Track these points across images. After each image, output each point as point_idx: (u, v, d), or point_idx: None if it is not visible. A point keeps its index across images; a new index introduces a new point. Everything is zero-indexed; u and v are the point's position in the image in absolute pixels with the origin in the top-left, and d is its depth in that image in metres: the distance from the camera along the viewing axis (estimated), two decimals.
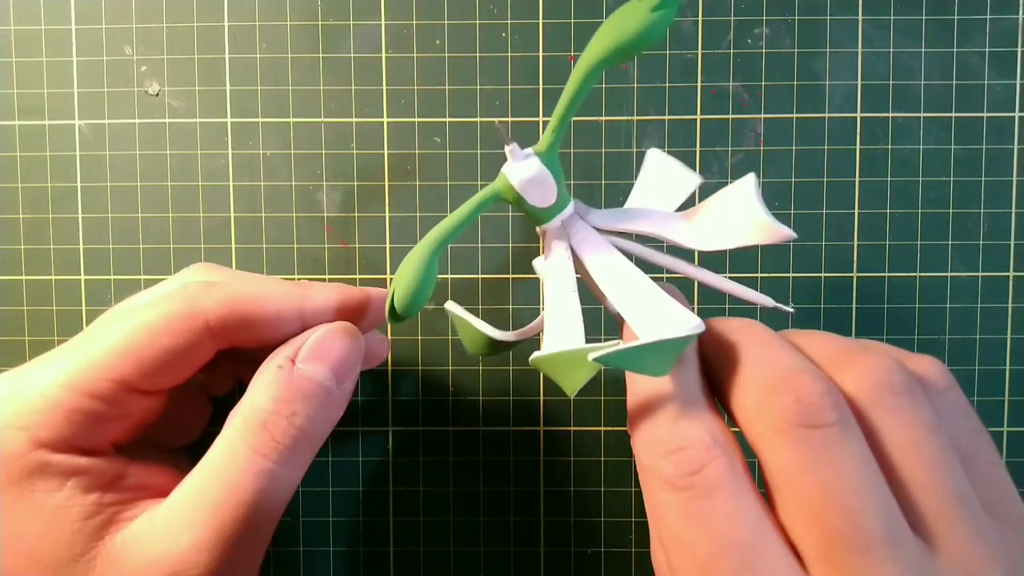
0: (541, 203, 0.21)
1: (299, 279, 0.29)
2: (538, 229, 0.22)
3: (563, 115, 0.20)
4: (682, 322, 0.18)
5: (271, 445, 0.20)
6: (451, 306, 0.26)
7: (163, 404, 0.22)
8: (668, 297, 0.19)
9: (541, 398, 0.29)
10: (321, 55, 0.29)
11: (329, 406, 0.21)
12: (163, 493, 0.21)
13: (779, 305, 0.22)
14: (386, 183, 0.29)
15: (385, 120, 0.29)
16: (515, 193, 0.20)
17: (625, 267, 0.20)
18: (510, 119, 0.29)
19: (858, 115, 0.29)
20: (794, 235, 0.19)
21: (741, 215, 0.20)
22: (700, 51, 0.28)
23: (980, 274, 0.29)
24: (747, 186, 0.20)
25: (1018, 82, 0.28)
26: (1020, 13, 0.28)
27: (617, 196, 0.29)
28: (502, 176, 0.20)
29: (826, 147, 0.29)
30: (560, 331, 0.20)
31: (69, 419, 0.20)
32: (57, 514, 0.19)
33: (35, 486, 0.19)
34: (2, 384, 0.21)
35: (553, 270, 0.21)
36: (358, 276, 0.29)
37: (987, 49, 0.28)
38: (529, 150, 0.20)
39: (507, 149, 0.20)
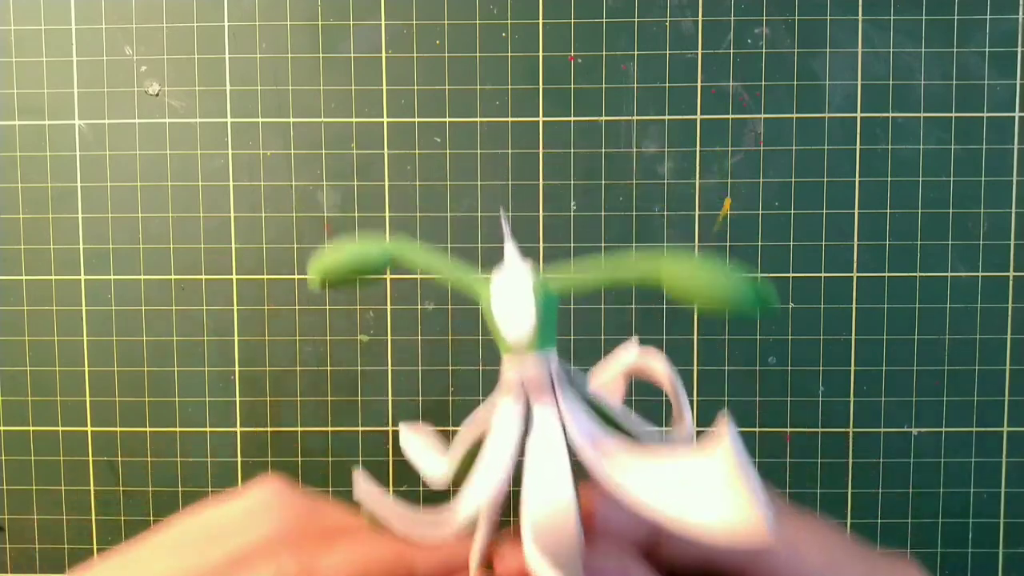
0: (509, 327, 0.16)
1: (298, 279, 0.29)
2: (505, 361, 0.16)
3: (592, 285, 0.16)
4: None
5: None
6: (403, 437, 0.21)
7: None
8: None
9: None
10: (321, 55, 0.29)
11: None
12: None
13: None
14: (386, 183, 0.29)
15: (385, 120, 0.29)
16: (487, 296, 0.16)
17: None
18: (510, 119, 0.29)
19: (858, 115, 0.29)
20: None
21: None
22: (700, 51, 0.28)
23: (980, 274, 0.29)
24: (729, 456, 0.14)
25: (1018, 82, 0.28)
26: (1020, 13, 0.28)
27: (617, 196, 0.29)
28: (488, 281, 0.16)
29: (826, 147, 0.29)
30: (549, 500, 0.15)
31: None
32: None
33: None
34: None
35: (506, 418, 0.16)
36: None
37: (987, 49, 0.28)
38: (528, 265, 0.16)
39: (507, 245, 0.17)
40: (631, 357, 0.20)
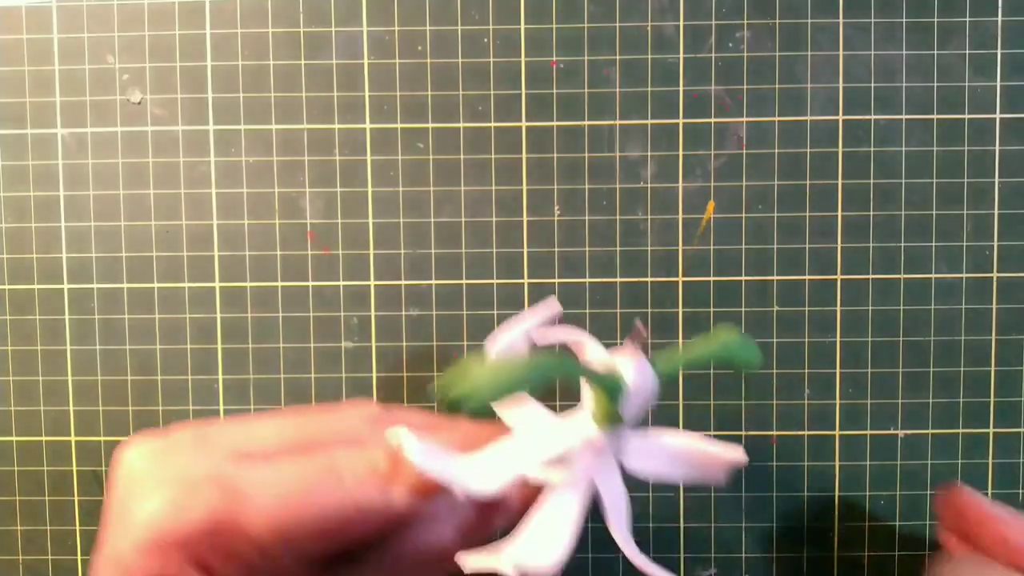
0: (630, 416, 0.20)
1: (282, 287, 0.29)
2: (595, 433, 0.21)
3: (687, 366, 0.21)
4: None
5: None
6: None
7: None
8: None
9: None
10: (303, 62, 0.29)
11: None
12: None
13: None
14: (369, 189, 0.29)
15: (368, 126, 0.29)
16: (618, 393, 0.20)
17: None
18: (492, 124, 0.29)
19: (840, 118, 0.29)
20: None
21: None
22: (682, 55, 0.29)
23: (964, 275, 0.29)
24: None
25: (999, 84, 0.28)
26: (999, 15, 0.28)
27: (600, 200, 0.29)
28: (612, 367, 0.20)
29: (808, 150, 0.29)
30: (549, 537, 0.20)
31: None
32: None
33: None
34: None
35: (583, 475, 0.21)
36: (341, 283, 0.29)
37: (967, 51, 0.28)
38: (648, 364, 0.20)
39: (636, 347, 0.20)
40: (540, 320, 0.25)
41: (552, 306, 0.25)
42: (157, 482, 0.20)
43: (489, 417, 0.17)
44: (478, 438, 0.21)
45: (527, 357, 0.19)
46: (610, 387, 0.20)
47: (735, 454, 0.23)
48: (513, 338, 0.24)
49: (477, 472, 0.20)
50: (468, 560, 0.19)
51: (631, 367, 0.20)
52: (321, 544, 0.20)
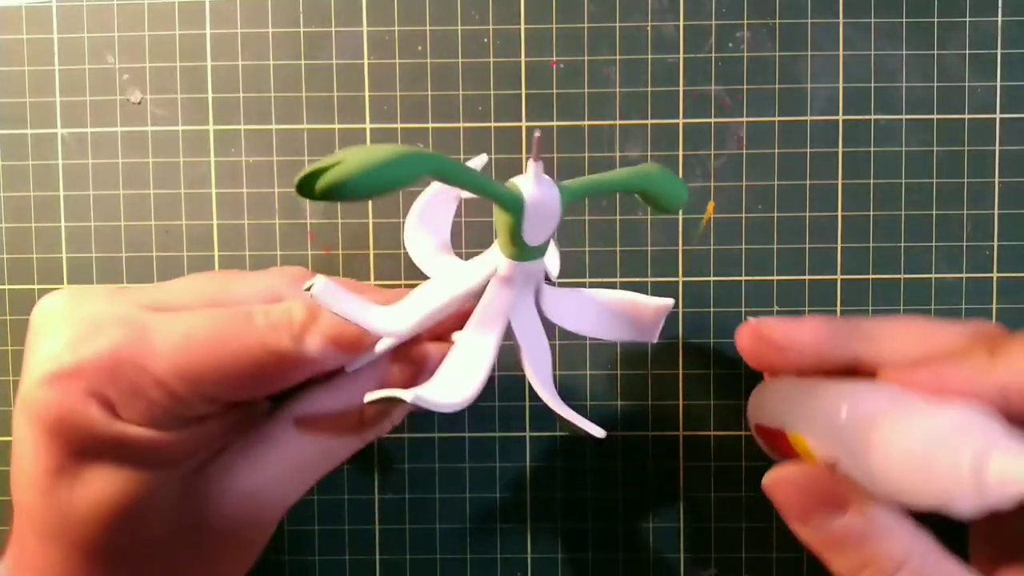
0: (533, 237, 0.19)
1: None
2: (502, 263, 0.20)
3: (596, 188, 0.20)
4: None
5: None
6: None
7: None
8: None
9: (527, 403, 0.29)
10: (303, 62, 0.29)
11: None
12: None
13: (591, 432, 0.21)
14: None
15: (368, 126, 0.29)
16: (519, 209, 0.18)
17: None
18: (492, 124, 0.29)
19: (840, 118, 0.29)
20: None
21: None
22: (682, 55, 0.29)
23: (964, 275, 0.29)
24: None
25: (999, 84, 0.28)
26: (999, 15, 0.28)
27: (600, 200, 0.29)
28: (513, 184, 0.18)
29: (808, 150, 0.29)
30: (459, 376, 0.20)
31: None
32: None
33: None
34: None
35: (493, 311, 0.20)
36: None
37: (967, 51, 0.28)
38: (550, 179, 0.19)
39: (531, 164, 0.18)
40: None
41: (480, 159, 0.26)
42: (64, 320, 0.20)
43: (360, 198, 0.16)
44: (400, 297, 0.22)
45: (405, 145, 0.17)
46: (507, 200, 0.18)
47: (663, 302, 0.24)
48: (436, 191, 0.25)
49: (389, 315, 0.20)
50: (370, 395, 0.18)
51: (530, 180, 0.18)
52: (231, 388, 0.20)
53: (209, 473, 0.21)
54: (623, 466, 0.29)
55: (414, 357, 0.23)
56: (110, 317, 0.20)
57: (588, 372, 0.29)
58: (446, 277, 0.21)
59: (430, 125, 0.29)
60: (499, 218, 0.19)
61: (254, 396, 0.21)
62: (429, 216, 0.25)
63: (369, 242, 0.29)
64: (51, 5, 0.29)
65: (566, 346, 0.29)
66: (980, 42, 0.28)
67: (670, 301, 0.24)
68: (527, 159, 0.19)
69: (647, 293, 0.28)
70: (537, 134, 0.18)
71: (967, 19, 0.28)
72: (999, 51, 0.28)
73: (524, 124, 0.29)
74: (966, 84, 0.28)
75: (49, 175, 0.29)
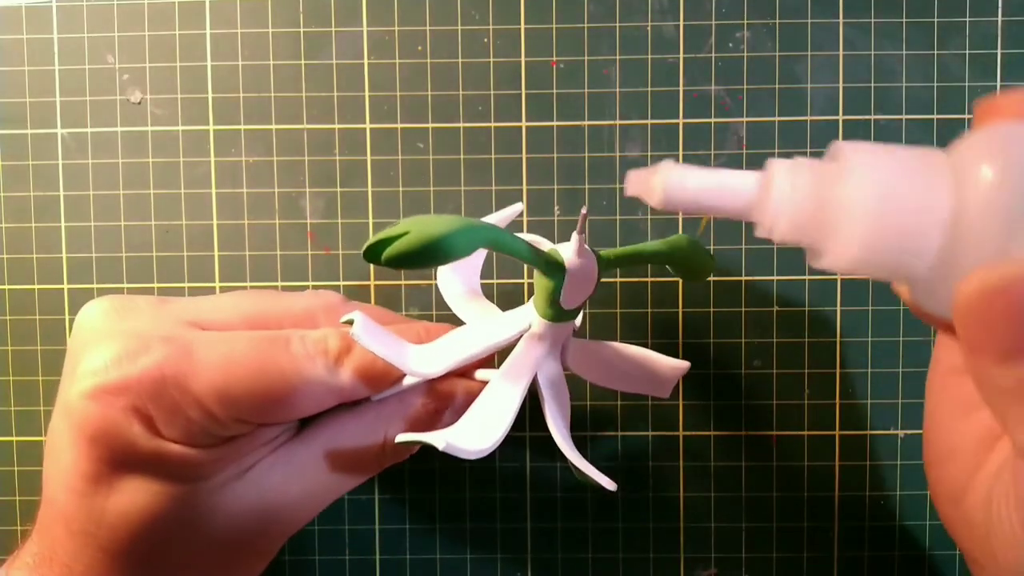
0: (570, 302, 0.20)
1: (281, 287, 0.29)
2: (538, 320, 0.22)
3: (630, 260, 0.22)
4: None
5: None
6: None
7: None
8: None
9: (526, 404, 0.29)
10: (303, 62, 0.29)
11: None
12: None
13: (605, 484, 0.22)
14: (369, 189, 0.29)
15: (368, 126, 0.29)
16: (560, 275, 0.20)
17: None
18: (492, 124, 0.29)
19: (840, 118, 0.29)
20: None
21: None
22: (682, 55, 0.29)
23: None
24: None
25: (999, 84, 0.28)
26: (999, 15, 0.28)
27: (600, 200, 0.29)
28: (555, 252, 0.20)
29: (808, 150, 0.29)
30: (485, 423, 0.20)
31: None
32: None
33: None
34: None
35: (522, 366, 0.21)
36: (341, 283, 0.29)
37: (967, 52, 0.28)
38: (590, 250, 0.20)
39: (575, 236, 0.20)
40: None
41: (515, 208, 0.27)
42: (109, 334, 0.20)
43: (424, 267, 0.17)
44: (432, 334, 0.22)
45: (463, 217, 0.18)
46: (549, 266, 0.20)
47: (679, 364, 0.25)
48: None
49: (423, 357, 0.21)
50: (402, 436, 0.19)
51: (572, 248, 0.20)
52: (265, 410, 0.20)
53: (235, 488, 0.21)
54: (623, 466, 0.29)
55: (440, 393, 0.23)
56: (155, 334, 0.20)
57: None
58: (481, 326, 0.22)
59: (430, 125, 0.29)
60: (539, 281, 0.20)
61: (285, 420, 0.22)
62: (462, 264, 0.26)
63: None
64: (51, 5, 0.29)
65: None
66: (980, 42, 0.28)
67: (686, 364, 0.25)
68: (574, 233, 0.20)
69: (644, 293, 0.28)
70: (584, 211, 0.19)
71: (967, 19, 0.28)
72: (999, 51, 0.28)
73: (524, 124, 0.29)
74: (966, 84, 0.28)
75: (49, 175, 0.29)
